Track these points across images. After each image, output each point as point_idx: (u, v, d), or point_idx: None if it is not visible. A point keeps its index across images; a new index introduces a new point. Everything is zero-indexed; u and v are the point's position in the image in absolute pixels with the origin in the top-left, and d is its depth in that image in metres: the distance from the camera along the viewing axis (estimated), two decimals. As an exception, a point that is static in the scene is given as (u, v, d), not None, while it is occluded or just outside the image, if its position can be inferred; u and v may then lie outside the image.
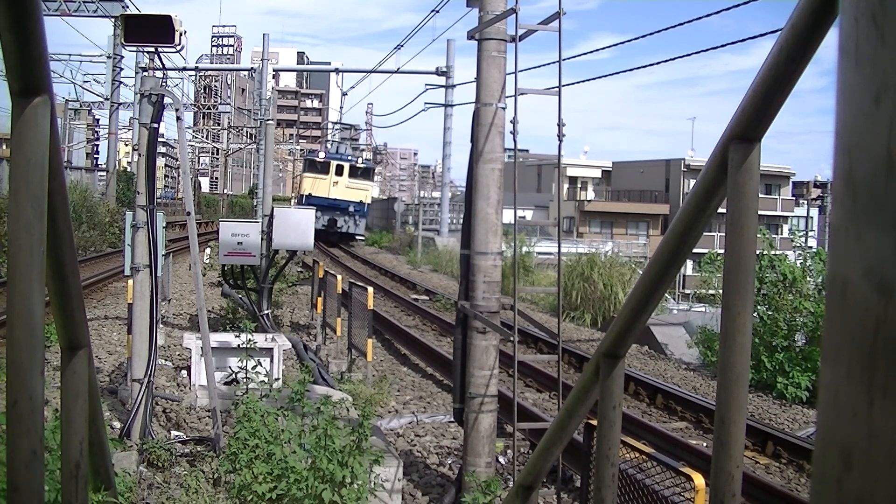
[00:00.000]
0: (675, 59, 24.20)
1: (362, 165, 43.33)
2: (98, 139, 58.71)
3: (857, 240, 0.62)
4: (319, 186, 41.49)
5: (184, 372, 9.63)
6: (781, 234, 44.78)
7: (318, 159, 42.76)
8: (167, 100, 7.03)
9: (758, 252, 12.52)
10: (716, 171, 1.68)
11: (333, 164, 41.84)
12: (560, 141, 6.49)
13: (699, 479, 3.69)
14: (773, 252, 12.73)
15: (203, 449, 6.88)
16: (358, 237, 44.05)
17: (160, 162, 78.82)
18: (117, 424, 6.98)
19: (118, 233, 26.95)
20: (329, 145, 48.08)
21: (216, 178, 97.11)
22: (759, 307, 12.00)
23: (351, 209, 41.80)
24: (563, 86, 6.26)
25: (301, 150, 76.98)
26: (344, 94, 45.82)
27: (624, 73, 14.19)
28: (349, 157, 43.35)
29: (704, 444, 8.25)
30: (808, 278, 12.37)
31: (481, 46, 6.12)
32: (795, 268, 12.38)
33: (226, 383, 8.23)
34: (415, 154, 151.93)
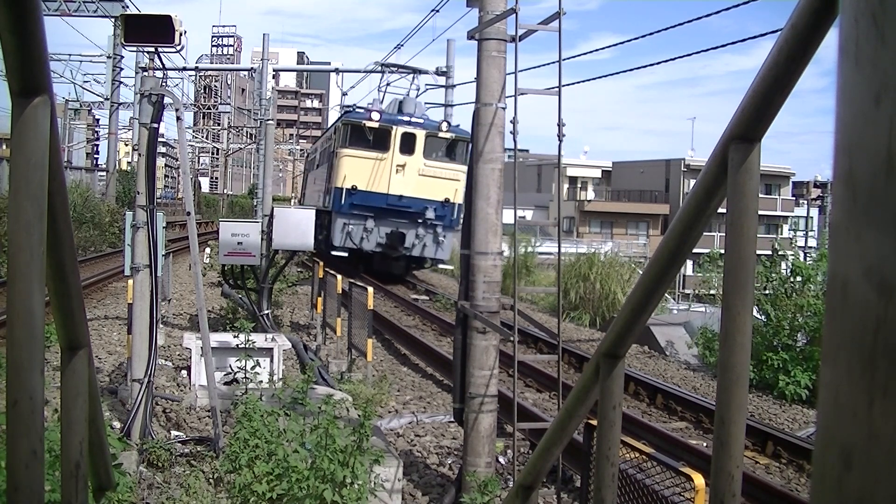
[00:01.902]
0: (675, 59, 24.21)
1: (448, 135, 22.94)
2: (98, 139, 58.78)
3: (857, 240, 0.62)
4: (373, 173, 22.45)
5: (184, 372, 9.63)
6: (782, 234, 44.82)
7: (369, 123, 22.57)
8: (167, 100, 7.04)
9: (777, 252, 12.76)
10: (716, 171, 1.68)
11: (398, 132, 22.43)
12: (560, 141, 6.49)
13: (699, 479, 3.69)
14: (790, 254, 12.95)
15: (203, 449, 6.88)
16: (440, 264, 24.28)
17: (160, 162, 78.88)
18: (117, 424, 6.98)
19: (118, 233, 26.96)
20: (380, 98, 25.26)
21: (216, 178, 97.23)
22: (765, 306, 12.13)
23: (430, 214, 22.47)
24: (563, 86, 6.27)
25: (301, 149, 76.34)
26: (344, 94, 41.64)
27: (624, 73, 14.22)
28: (424, 120, 23.38)
29: (704, 444, 8.25)
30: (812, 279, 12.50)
31: (481, 46, 6.12)
32: (808, 267, 12.51)
33: (226, 383, 8.23)
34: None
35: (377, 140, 22.64)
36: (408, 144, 22.52)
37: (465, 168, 21.75)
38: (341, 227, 22.61)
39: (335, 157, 23.89)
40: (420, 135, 22.64)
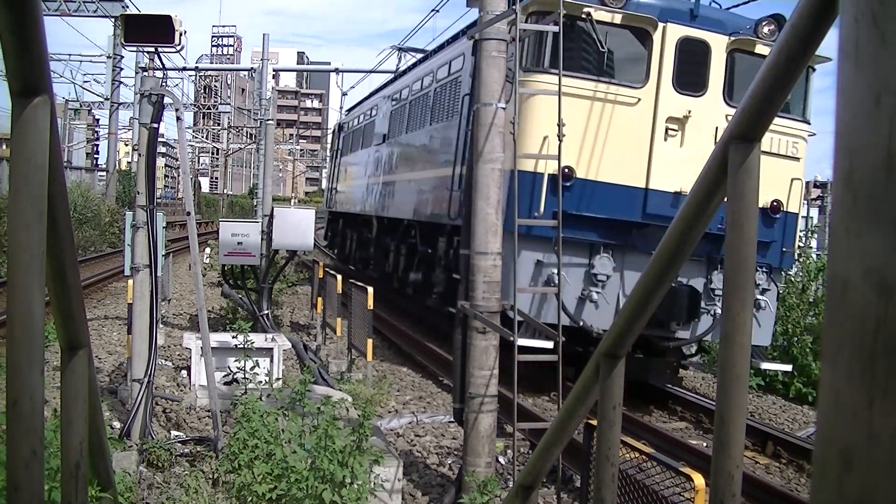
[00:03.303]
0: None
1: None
2: (98, 139, 58.83)
3: (857, 240, 0.62)
4: (606, 138, 8.48)
5: (184, 372, 9.63)
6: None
7: (603, 12, 8.60)
8: (167, 100, 7.03)
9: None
10: (716, 171, 1.68)
11: (671, 34, 8.73)
12: (560, 141, 6.50)
13: (699, 479, 3.69)
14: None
15: (203, 449, 6.88)
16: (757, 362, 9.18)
17: (160, 162, 78.92)
18: (117, 424, 6.98)
19: (118, 233, 26.94)
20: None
21: (216, 178, 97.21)
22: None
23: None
24: (564, 86, 6.27)
25: (301, 150, 76.14)
26: (344, 94, 41.02)
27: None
28: (725, 17, 9.38)
29: (704, 444, 8.25)
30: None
31: (481, 46, 6.11)
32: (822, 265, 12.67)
33: (226, 383, 8.23)
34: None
35: (614, 56, 9.30)
36: (693, 67, 9.31)
37: (807, 130, 9.88)
38: (533, 267, 9.37)
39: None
40: (719, 44, 9.32)
